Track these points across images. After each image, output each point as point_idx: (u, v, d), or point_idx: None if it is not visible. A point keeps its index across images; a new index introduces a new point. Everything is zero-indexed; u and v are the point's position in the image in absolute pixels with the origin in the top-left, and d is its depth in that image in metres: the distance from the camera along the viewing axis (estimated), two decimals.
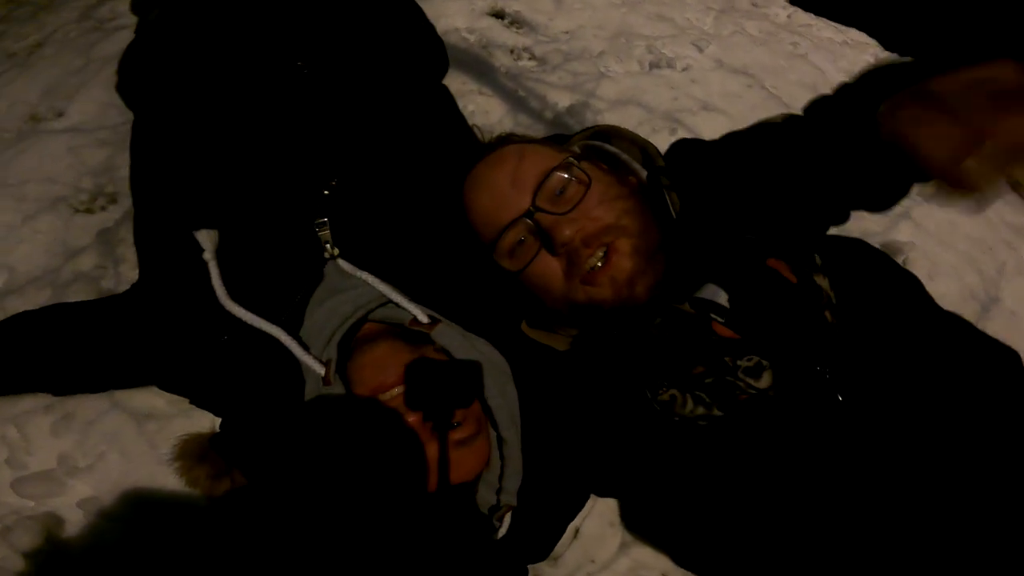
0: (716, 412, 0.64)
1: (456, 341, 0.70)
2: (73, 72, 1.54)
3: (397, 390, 0.67)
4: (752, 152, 0.75)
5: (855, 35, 2.03)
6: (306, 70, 0.83)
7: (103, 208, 1.30)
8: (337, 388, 0.68)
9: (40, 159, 1.35)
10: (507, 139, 0.83)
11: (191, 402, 0.88)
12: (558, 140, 0.88)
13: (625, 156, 0.83)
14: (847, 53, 1.90)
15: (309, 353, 0.69)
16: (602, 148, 0.83)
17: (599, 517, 0.97)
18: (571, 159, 0.73)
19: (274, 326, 0.70)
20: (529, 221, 0.70)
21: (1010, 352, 0.68)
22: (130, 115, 1.42)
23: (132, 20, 1.73)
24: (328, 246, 0.75)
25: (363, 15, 0.93)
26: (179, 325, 0.77)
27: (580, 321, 0.76)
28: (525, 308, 0.82)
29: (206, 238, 0.74)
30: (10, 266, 1.20)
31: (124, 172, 1.30)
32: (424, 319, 0.71)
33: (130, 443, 0.98)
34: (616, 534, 0.98)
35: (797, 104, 1.66)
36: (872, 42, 2.04)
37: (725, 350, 0.64)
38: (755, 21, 1.80)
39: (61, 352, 0.86)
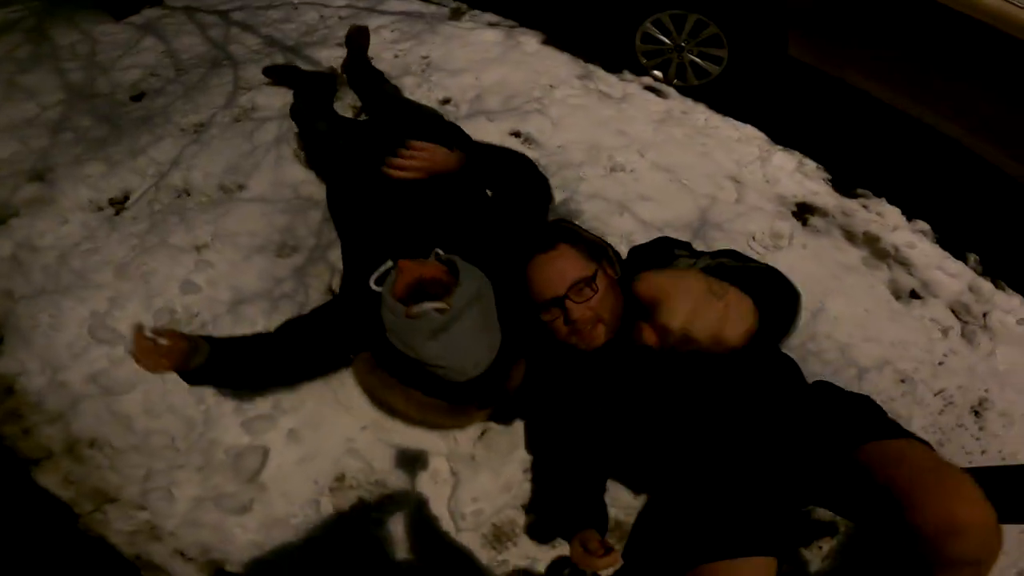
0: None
1: (462, 262, 1.34)
2: (244, 155, 2.20)
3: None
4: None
5: (749, 131, 2.71)
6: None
7: (288, 255, 1.99)
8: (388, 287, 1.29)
9: (242, 219, 2.04)
10: (559, 230, 1.37)
11: None
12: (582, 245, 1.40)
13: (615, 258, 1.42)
14: (738, 148, 2.61)
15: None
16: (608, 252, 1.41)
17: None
18: (595, 273, 1.27)
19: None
20: (557, 307, 1.27)
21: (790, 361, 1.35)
22: (297, 191, 2.22)
23: (274, 112, 2.45)
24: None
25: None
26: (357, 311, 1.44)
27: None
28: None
29: (384, 278, 1.35)
30: (238, 287, 1.89)
31: (301, 231, 2.12)
32: (443, 254, 1.36)
33: None
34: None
35: (701, 190, 2.74)
36: (761, 136, 2.74)
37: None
38: (681, 128, 2.61)
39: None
